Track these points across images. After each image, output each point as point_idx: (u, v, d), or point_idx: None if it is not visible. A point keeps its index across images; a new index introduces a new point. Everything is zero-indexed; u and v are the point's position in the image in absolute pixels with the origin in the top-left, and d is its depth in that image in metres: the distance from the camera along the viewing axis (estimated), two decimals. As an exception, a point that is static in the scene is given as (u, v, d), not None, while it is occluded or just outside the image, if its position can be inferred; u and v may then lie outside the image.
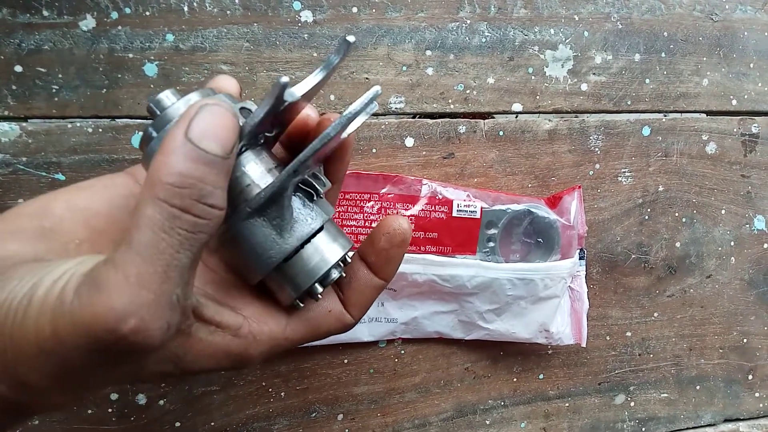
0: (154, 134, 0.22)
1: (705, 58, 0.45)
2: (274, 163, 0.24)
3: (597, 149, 0.43)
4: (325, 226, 0.25)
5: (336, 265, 0.25)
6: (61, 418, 0.36)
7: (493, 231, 0.40)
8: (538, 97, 0.42)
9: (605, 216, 0.44)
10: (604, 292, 0.45)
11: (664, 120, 0.45)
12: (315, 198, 0.24)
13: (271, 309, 0.25)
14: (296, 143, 0.26)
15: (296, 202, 0.24)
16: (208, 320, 0.23)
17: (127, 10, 0.34)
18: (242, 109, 0.23)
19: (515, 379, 0.45)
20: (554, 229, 0.41)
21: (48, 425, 0.36)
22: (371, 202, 0.38)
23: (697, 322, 0.48)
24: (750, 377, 0.50)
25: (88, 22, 0.34)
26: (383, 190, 0.38)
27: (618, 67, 0.43)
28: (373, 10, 0.38)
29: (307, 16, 0.37)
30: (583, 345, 0.43)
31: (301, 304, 0.25)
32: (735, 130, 0.47)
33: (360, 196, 0.38)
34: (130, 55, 0.35)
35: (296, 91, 0.22)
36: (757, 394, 0.51)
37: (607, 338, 0.46)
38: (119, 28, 0.34)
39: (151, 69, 0.35)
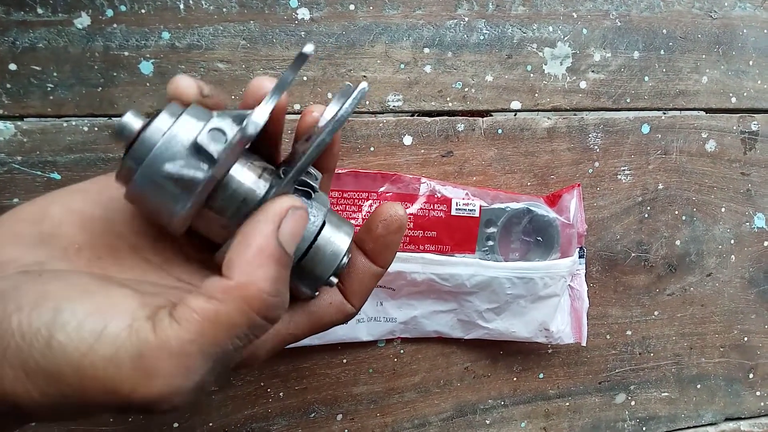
0: (135, 166, 0.21)
1: (704, 56, 0.45)
2: (261, 165, 0.24)
3: (596, 147, 0.43)
4: (327, 217, 0.25)
5: (347, 253, 0.26)
6: (57, 420, 0.36)
7: (492, 229, 0.39)
8: (536, 95, 0.41)
9: (605, 214, 0.44)
10: (604, 291, 0.45)
11: (663, 118, 0.45)
12: (312, 195, 0.24)
13: None
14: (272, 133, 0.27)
15: None
16: None
17: (123, 8, 0.34)
18: (214, 130, 0.22)
19: (515, 379, 0.44)
20: (554, 228, 0.40)
21: (45, 426, 0.36)
22: (369, 201, 0.38)
23: (697, 321, 0.48)
24: (751, 376, 0.50)
25: (83, 20, 0.34)
26: (381, 189, 0.38)
27: (617, 64, 0.43)
28: (371, 8, 0.38)
29: (303, 13, 0.37)
30: (583, 344, 0.43)
31: (317, 293, 0.26)
32: (734, 127, 0.46)
33: (358, 195, 0.38)
34: (126, 53, 0.35)
35: (259, 120, 0.21)
36: (758, 393, 0.50)
37: (608, 337, 0.46)
38: (115, 25, 0.34)
39: (146, 67, 0.35)
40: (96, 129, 0.35)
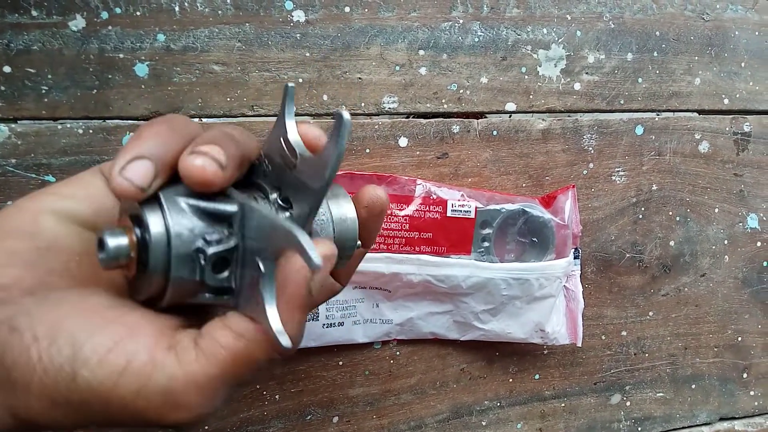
0: (163, 272, 0.21)
1: (697, 58, 0.45)
2: (262, 196, 0.24)
3: (590, 148, 0.43)
4: (328, 198, 0.25)
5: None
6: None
7: (487, 231, 0.40)
8: (531, 96, 0.42)
9: (599, 215, 0.44)
10: (599, 292, 0.45)
11: (657, 119, 0.45)
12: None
13: None
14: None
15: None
16: None
17: (118, 10, 0.34)
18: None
19: (511, 380, 0.44)
20: (549, 229, 0.41)
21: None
22: (365, 203, 0.38)
23: (691, 321, 0.48)
24: (745, 375, 0.50)
25: (78, 22, 0.34)
26: (377, 191, 0.38)
27: (611, 66, 0.43)
28: (366, 10, 0.38)
29: (299, 15, 0.37)
30: (579, 345, 0.43)
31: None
32: (727, 128, 0.47)
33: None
34: (121, 56, 0.34)
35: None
36: (752, 393, 0.51)
37: (603, 338, 0.46)
38: (109, 28, 0.34)
39: (142, 69, 0.35)
40: (91, 131, 0.35)
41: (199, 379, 0.20)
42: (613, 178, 0.44)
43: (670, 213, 0.46)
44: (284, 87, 0.23)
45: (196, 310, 0.24)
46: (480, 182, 0.41)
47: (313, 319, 0.38)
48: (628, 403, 0.48)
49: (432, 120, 0.40)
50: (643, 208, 0.45)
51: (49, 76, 0.34)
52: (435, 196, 0.39)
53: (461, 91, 0.40)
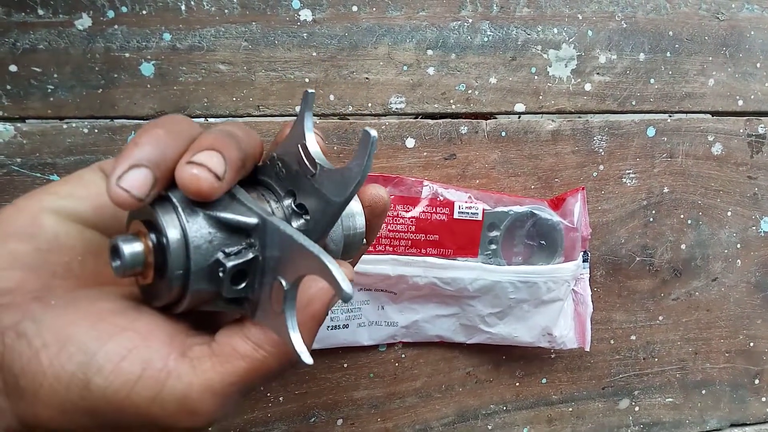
0: (182, 280, 0.21)
1: (711, 58, 0.44)
2: (273, 201, 0.23)
3: (601, 150, 0.43)
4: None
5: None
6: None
7: (495, 233, 0.39)
8: (541, 97, 0.41)
9: (609, 218, 0.44)
10: (608, 296, 0.45)
11: (669, 120, 0.44)
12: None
13: None
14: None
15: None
16: None
17: (124, 9, 0.34)
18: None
19: (518, 384, 0.44)
20: (557, 232, 0.40)
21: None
22: (371, 204, 0.38)
23: (702, 326, 0.47)
24: (756, 381, 0.49)
25: (84, 21, 0.34)
26: (383, 192, 0.38)
27: (622, 66, 0.42)
28: (374, 9, 0.38)
29: (306, 15, 0.36)
30: (587, 349, 0.42)
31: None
32: (741, 130, 0.46)
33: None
34: (127, 55, 0.34)
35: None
36: (763, 399, 0.50)
37: (611, 342, 0.45)
38: (116, 27, 0.34)
39: (147, 69, 0.35)
40: (96, 131, 0.34)
41: (216, 387, 0.20)
42: (624, 180, 0.44)
43: (682, 216, 0.45)
44: (304, 93, 0.22)
45: (203, 313, 0.23)
46: (488, 184, 0.41)
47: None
48: (636, 408, 0.47)
49: (440, 120, 0.40)
50: (654, 211, 0.45)
51: (55, 75, 0.34)
52: (442, 198, 0.38)
53: (470, 91, 0.40)
